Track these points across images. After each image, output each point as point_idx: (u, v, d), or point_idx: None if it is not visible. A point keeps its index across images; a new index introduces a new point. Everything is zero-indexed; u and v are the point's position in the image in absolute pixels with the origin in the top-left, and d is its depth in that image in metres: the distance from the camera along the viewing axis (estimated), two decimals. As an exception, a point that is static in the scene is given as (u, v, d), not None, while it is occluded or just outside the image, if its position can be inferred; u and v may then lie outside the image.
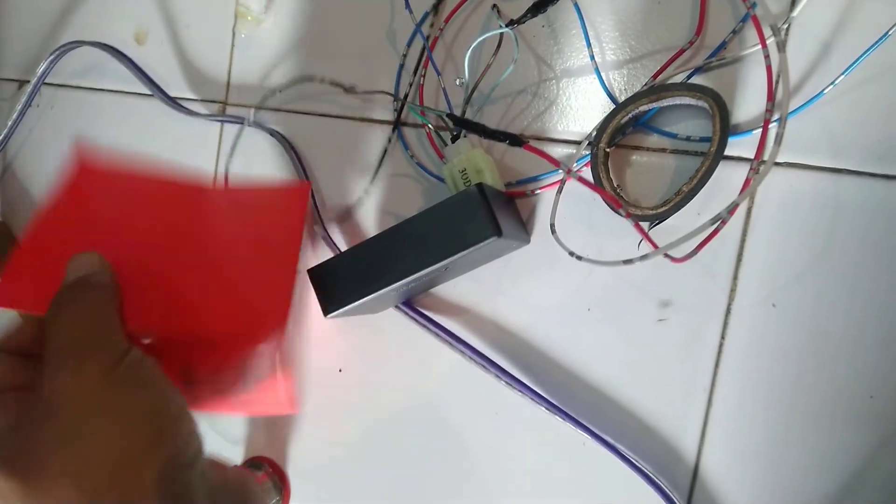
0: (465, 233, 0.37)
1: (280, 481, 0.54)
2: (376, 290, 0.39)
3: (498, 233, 0.36)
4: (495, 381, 0.45)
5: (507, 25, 0.41)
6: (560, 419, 0.42)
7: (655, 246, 0.39)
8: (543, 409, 0.43)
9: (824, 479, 0.38)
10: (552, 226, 0.41)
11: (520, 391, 0.44)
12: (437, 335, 0.47)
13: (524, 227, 0.45)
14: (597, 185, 0.41)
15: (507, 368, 0.44)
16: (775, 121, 0.38)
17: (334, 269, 0.41)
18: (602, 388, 0.43)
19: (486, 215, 0.37)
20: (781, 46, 0.33)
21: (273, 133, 0.52)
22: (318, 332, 0.51)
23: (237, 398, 0.37)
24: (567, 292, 0.44)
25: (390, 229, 0.40)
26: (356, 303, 0.40)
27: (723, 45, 0.40)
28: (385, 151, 0.49)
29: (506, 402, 0.45)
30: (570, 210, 0.43)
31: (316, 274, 0.41)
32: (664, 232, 0.40)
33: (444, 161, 0.44)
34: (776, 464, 0.39)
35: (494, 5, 0.44)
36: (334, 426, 0.52)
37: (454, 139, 0.42)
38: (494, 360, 0.45)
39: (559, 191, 0.42)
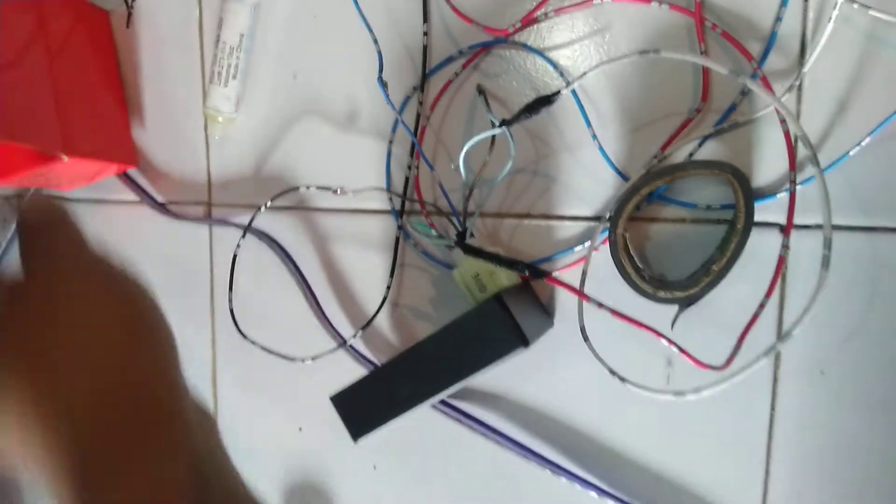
0: (490, 346, 0.36)
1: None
2: (402, 412, 0.38)
3: (525, 343, 0.36)
4: (539, 470, 0.43)
5: (499, 125, 0.38)
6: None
7: (703, 366, 0.37)
8: (594, 494, 0.42)
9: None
10: (583, 330, 0.39)
11: (566, 478, 0.43)
12: (472, 427, 0.45)
13: (546, 311, 0.43)
14: (619, 272, 0.39)
15: (549, 457, 0.43)
16: (802, 182, 0.36)
17: (358, 393, 0.40)
18: (654, 468, 0.41)
19: (510, 326, 0.36)
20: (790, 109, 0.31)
21: (270, 242, 0.50)
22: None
23: None
24: (603, 372, 0.42)
25: (412, 348, 0.39)
26: (383, 426, 0.39)
27: (732, 109, 0.38)
28: (395, 259, 0.47)
29: (553, 491, 0.44)
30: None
31: (340, 400, 0.40)
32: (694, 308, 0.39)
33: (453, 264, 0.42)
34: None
35: (480, 90, 0.42)
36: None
37: (458, 243, 0.40)
38: (535, 448, 0.43)
39: (580, 294, 0.40)
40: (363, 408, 0.40)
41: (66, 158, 0.47)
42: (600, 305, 0.37)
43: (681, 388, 0.35)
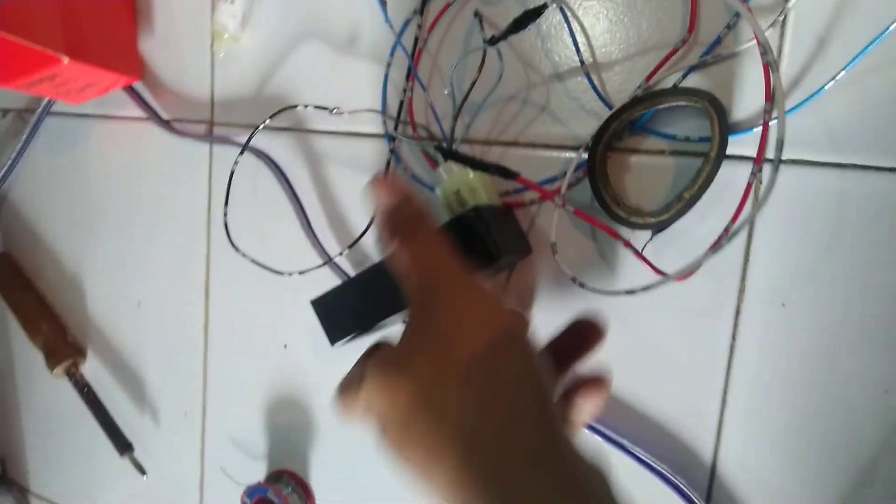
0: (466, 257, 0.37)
1: (304, 492, 0.56)
2: (378, 321, 0.39)
3: (497, 256, 0.36)
4: None
5: (487, 42, 0.39)
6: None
7: (658, 272, 0.38)
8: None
9: (840, 474, 0.38)
10: (553, 245, 0.41)
11: None
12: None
13: (525, 239, 0.44)
14: (596, 197, 0.40)
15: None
16: (775, 118, 0.37)
17: (338, 299, 0.40)
18: (616, 392, 0.43)
19: (486, 239, 0.36)
20: (771, 49, 0.32)
21: (267, 161, 0.51)
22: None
23: None
24: (570, 289, 0.44)
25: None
26: (360, 336, 0.40)
27: (717, 42, 0.38)
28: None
29: None
30: (570, 226, 0.43)
31: (319, 305, 0.41)
32: (667, 237, 0.40)
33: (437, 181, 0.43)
34: (793, 460, 0.39)
35: (476, 13, 0.43)
36: (355, 436, 0.52)
37: (445, 158, 0.41)
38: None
39: (557, 209, 0.41)
40: (341, 314, 0.40)
41: (66, 60, 0.48)
42: (564, 204, 0.37)
43: (631, 287, 0.36)
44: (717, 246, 0.36)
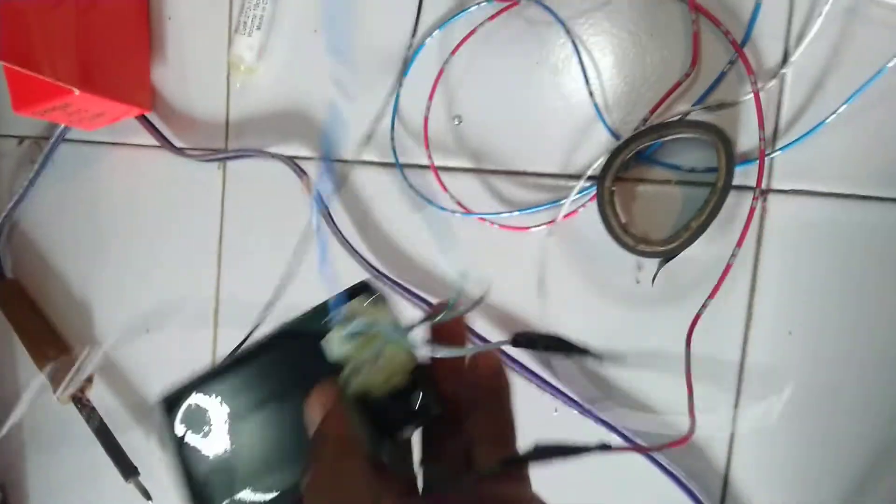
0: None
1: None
2: None
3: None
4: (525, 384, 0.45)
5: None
6: (592, 422, 0.43)
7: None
8: (576, 412, 0.44)
9: (845, 501, 0.38)
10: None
11: (550, 392, 0.45)
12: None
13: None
14: (605, 225, 0.41)
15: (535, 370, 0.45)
16: (776, 151, 0.38)
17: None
18: (634, 396, 0.43)
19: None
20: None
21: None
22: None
23: None
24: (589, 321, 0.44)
25: None
26: None
27: (722, 76, 0.40)
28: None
29: (536, 405, 0.46)
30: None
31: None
32: (676, 265, 0.41)
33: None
34: (798, 486, 0.39)
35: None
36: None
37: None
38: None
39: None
40: None
41: (77, 92, 0.50)
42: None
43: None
44: (726, 274, 0.37)
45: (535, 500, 0.26)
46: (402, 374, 0.26)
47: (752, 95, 0.39)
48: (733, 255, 0.37)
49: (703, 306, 0.38)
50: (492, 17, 0.45)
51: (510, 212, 0.45)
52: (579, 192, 0.43)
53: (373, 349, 0.25)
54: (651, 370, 0.43)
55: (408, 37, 0.47)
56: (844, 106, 0.37)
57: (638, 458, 0.42)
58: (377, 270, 0.49)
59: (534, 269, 0.45)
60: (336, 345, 0.25)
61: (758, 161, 0.39)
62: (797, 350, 0.39)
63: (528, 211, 0.45)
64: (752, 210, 0.36)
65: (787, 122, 0.39)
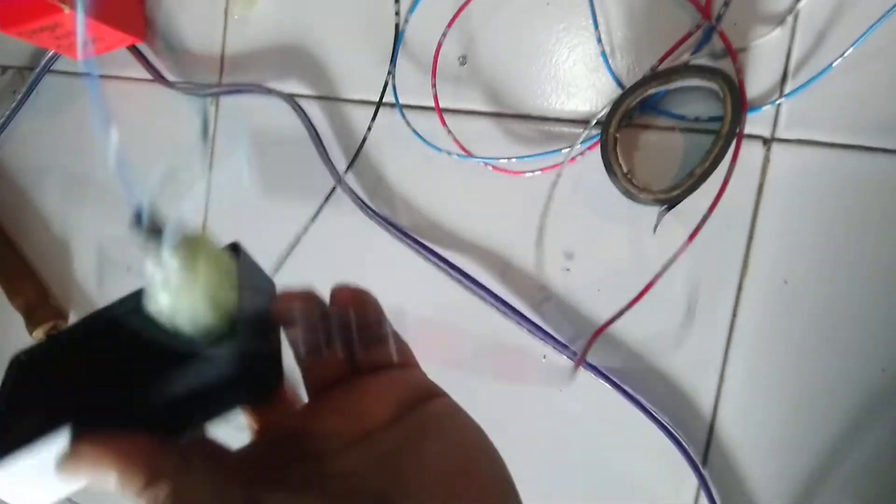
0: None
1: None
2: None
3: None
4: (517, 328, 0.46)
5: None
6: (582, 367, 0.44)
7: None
8: (566, 357, 0.44)
9: (834, 445, 0.39)
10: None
11: (542, 339, 0.45)
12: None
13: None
14: (608, 171, 0.41)
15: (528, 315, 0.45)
16: (787, 95, 0.38)
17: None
18: (625, 342, 0.43)
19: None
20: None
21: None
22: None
23: None
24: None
25: None
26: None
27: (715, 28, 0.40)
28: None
29: (528, 351, 0.46)
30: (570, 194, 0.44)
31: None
32: (676, 214, 0.41)
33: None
34: (788, 431, 0.40)
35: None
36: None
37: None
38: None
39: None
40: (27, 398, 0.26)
41: (67, 10, 0.48)
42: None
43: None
44: (712, 210, 0.37)
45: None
46: (226, 292, 0.23)
47: (761, 41, 0.39)
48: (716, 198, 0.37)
49: (695, 229, 0.38)
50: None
51: (509, 158, 0.45)
52: (582, 141, 0.43)
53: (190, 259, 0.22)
54: (644, 318, 0.43)
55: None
56: (852, 49, 0.37)
57: (626, 404, 0.42)
58: (368, 207, 0.48)
59: (533, 215, 0.45)
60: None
61: (762, 108, 0.39)
62: (791, 299, 0.39)
63: (529, 158, 0.44)
64: (737, 148, 0.37)
65: (795, 69, 0.39)
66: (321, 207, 0.50)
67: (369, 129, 0.49)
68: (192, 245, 0.21)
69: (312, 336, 0.26)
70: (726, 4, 0.40)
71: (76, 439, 0.22)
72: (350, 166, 0.49)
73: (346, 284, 0.28)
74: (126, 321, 0.25)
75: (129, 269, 0.55)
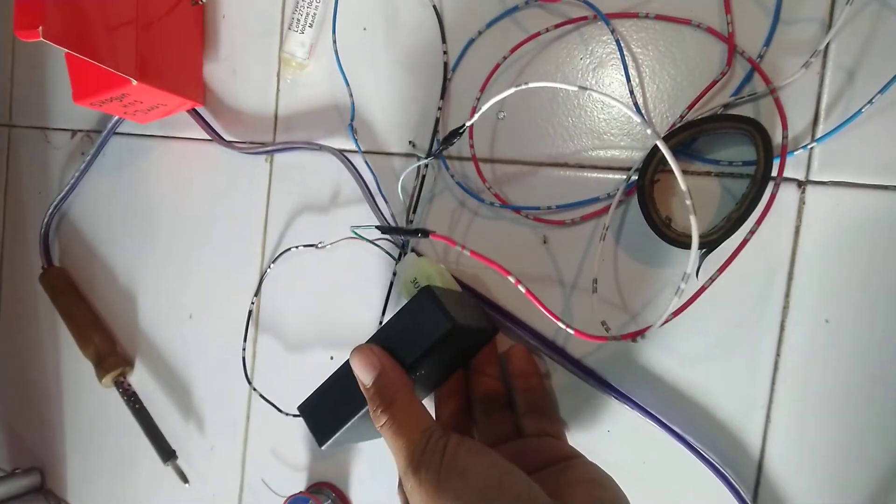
0: (423, 331, 0.38)
1: (344, 505, 0.57)
2: (357, 412, 0.39)
3: (452, 323, 0.38)
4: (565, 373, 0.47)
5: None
6: (629, 408, 0.45)
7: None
8: (613, 398, 0.45)
9: (883, 489, 0.39)
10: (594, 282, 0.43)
11: (586, 381, 0.46)
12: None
13: (487, 317, 0.48)
14: (646, 218, 0.42)
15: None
16: (813, 142, 0.39)
17: (319, 400, 0.42)
18: (673, 383, 0.44)
19: (439, 310, 0.38)
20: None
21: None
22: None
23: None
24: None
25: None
26: (343, 429, 0.40)
27: (750, 75, 0.41)
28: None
29: (575, 391, 0.47)
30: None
31: (305, 410, 0.42)
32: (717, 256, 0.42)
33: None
34: (835, 474, 0.40)
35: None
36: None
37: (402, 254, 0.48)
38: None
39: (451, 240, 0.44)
40: (325, 414, 0.41)
41: (135, 82, 0.52)
42: (464, 248, 0.40)
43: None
44: (739, 251, 0.38)
45: (575, 453, 0.33)
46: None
47: (789, 81, 0.40)
48: (751, 232, 0.39)
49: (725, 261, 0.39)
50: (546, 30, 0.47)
51: (549, 207, 0.47)
52: (617, 188, 0.44)
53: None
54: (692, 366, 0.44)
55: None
56: (879, 95, 0.38)
57: (673, 445, 0.43)
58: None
59: (572, 262, 0.46)
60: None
61: (795, 153, 0.40)
62: (834, 338, 0.40)
63: (568, 207, 0.46)
64: (772, 196, 0.38)
65: (825, 113, 0.40)
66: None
67: (422, 180, 0.51)
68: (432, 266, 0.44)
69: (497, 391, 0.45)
70: (767, 45, 0.41)
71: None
72: (409, 218, 0.52)
73: (523, 349, 0.43)
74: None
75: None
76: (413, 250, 0.50)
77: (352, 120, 0.52)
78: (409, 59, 0.52)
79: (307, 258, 0.56)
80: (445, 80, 0.50)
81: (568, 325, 0.40)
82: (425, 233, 0.41)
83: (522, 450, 0.35)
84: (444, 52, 0.50)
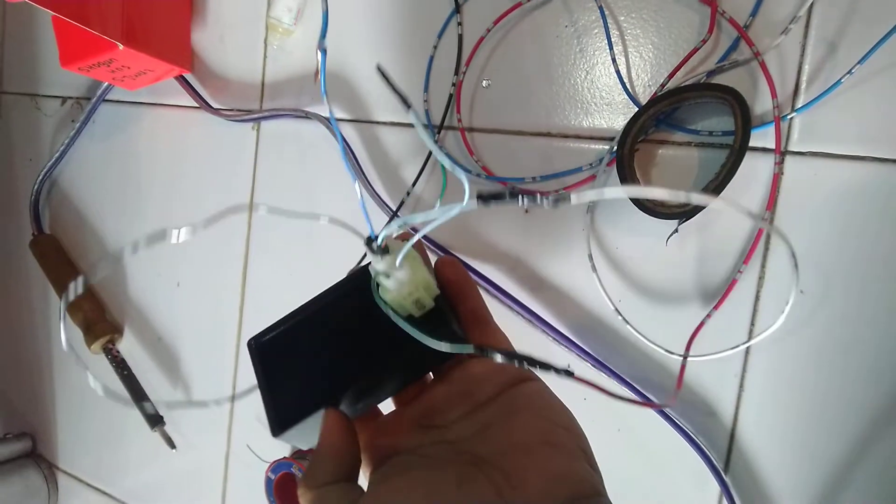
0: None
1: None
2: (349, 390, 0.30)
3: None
4: (542, 336, 0.48)
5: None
6: (605, 376, 0.45)
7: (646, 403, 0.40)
8: (589, 364, 0.46)
9: (851, 456, 0.39)
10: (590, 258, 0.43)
11: (566, 346, 0.46)
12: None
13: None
14: (624, 185, 0.43)
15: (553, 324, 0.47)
16: (792, 112, 0.39)
17: (286, 349, 0.34)
18: (644, 351, 0.45)
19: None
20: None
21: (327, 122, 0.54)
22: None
23: None
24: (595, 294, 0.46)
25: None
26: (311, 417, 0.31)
27: (737, 41, 0.41)
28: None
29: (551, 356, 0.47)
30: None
31: (259, 351, 0.35)
32: (693, 226, 0.42)
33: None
34: (805, 440, 0.40)
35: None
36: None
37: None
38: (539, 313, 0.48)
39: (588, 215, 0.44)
40: (293, 380, 0.32)
41: (121, 46, 0.52)
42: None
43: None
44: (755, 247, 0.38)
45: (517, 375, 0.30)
46: (425, 292, 0.29)
47: (773, 46, 0.40)
48: (764, 219, 0.38)
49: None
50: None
51: (533, 178, 0.47)
52: (598, 157, 0.45)
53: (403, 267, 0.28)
54: (664, 325, 0.44)
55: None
56: (858, 66, 0.37)
57: (649, 413, 0.44)
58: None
59: (554, 232, 0.47)
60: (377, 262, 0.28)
61: (773, 123, 0.40)
62: (809, 308, 0.40)
63: (550, 177, 0.46)
64: (775, 176, 0.38)
65: (806, 83, 0.40)
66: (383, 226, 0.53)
67: (429, 154, 0.51)
68: (409, 256, 0.28)
69: None
70: (754, 14, 0.41)
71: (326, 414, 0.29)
72: (412, 187, 0.52)
73: (453, 261, 0.34)
74: (345, 304, 0.33)
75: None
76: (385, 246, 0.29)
77: (322, 74, 0.52)
78: (396, 27, 0.51)
79: (295, 225, 0.56)
80: (460, 52, 0.49)
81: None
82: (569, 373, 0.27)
83: (467, 388, 0.29)
84: (459, 24, 0.49)
